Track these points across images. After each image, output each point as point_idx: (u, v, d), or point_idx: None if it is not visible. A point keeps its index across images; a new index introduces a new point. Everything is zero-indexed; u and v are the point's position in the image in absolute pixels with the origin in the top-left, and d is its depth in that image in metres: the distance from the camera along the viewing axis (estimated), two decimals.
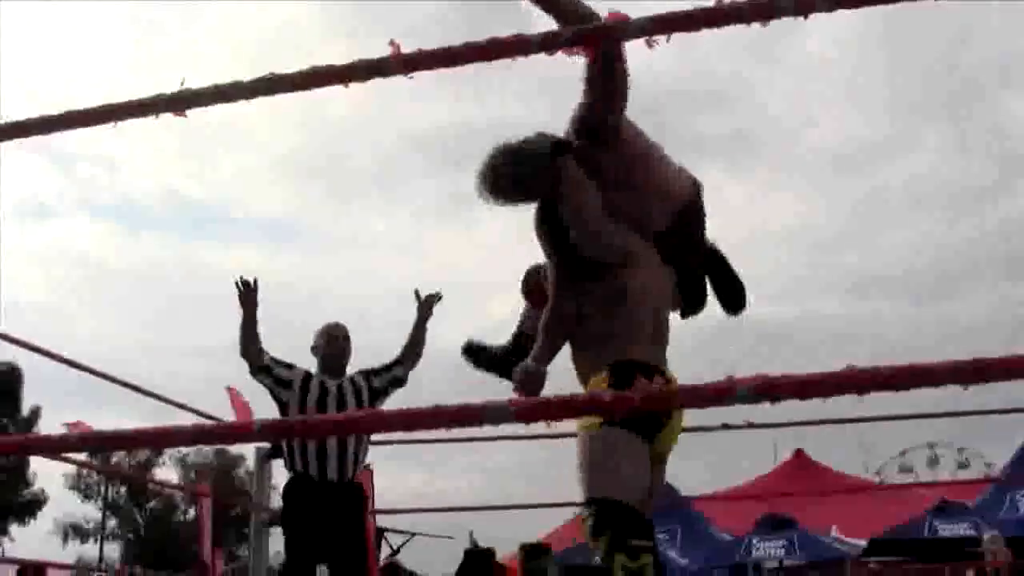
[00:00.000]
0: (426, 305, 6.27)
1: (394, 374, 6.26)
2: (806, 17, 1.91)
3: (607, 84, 3.68)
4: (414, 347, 6.29)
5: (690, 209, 4.04)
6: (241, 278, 5.97)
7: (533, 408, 1.80)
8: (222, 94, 2.11)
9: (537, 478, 39.22)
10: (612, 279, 3.85)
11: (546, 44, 1.95)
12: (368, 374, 6.24)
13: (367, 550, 6.34)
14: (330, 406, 5.99)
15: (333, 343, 6.16)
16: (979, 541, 11.21)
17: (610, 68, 3.63)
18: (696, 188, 4.07)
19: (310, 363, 6.24)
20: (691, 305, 4.26)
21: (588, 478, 3.52)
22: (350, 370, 6.22)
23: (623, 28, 1.94)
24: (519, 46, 1.95)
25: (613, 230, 3.86)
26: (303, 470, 5.91)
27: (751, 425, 7.55)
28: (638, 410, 3.49)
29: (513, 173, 3.86)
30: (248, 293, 5.87)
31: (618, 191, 3.87)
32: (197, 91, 2.10)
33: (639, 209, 3.93)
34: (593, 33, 1.90)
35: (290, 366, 6.06)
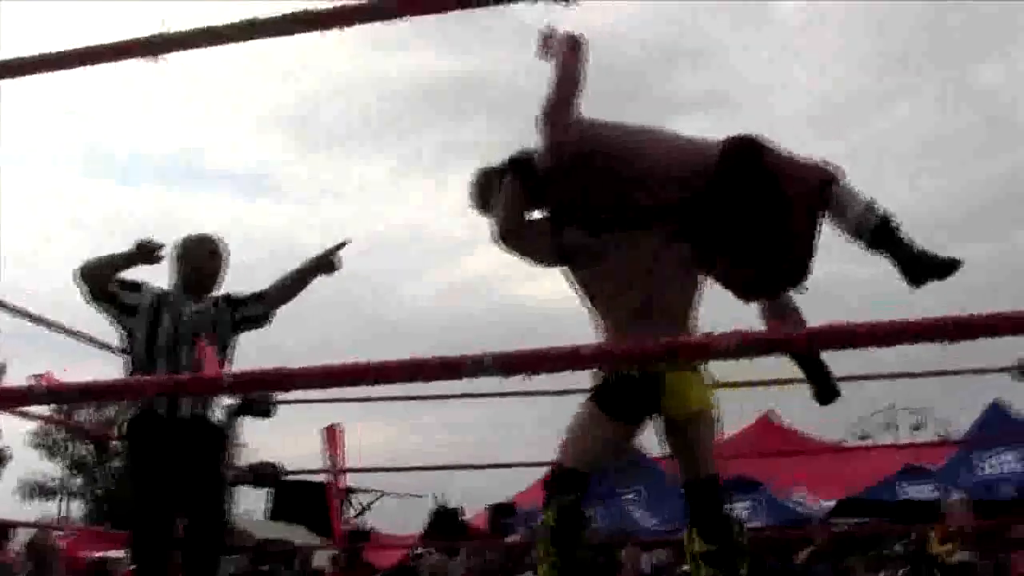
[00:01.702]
0: (327, 260, 5.43)
1: (254, 310, 5.44)
2: None
3: (560, 78, 4.10)
4: (287, 288, 5.46)
5: (715, 177, 4.18)
6: (151, 241, 5.17)
7: (512, 360, 1.78)
8: (198, 39, 2.07)
9: (509, 437, 39.30)
10: (574, 272, 4.39)
11: None
12: (235, 303, 5.46)
13: (225, 499, 5.60)
14: (184, 340, 5.23)
15: (210, 259, 5.43)
16: (941, 504, 11.33)
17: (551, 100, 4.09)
18: (725, 152, 4.22)
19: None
20: (764, 283, 4.36)
21: (562, 441, 4.25)
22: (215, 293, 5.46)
23: None
24: None
25: (537, 236, 4.37)
26: (149, 406, 5.14)
27: (719, 384, 7.58)
28: (616, 392, 4.12)
29: (474, 190, 4.47)
30: (148, 254, 5.15)
31: (584, 184, 4.23)
32: (173, 35, 2.07)
33: (616, 195, 4.25)
34: None
35: (136, 286, 5.29)
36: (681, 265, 4.30)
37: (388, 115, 64.94)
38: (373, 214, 59.92)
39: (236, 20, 2.09)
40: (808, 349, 3.94)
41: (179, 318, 5.26)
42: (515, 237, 4.38)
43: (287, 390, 1.73)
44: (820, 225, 4.18)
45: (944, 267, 4.02)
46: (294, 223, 60.30)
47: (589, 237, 4.33)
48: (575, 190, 4.29)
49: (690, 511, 4.31)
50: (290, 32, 2.10)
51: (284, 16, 2.10)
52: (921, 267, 4.03)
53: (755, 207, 4.15)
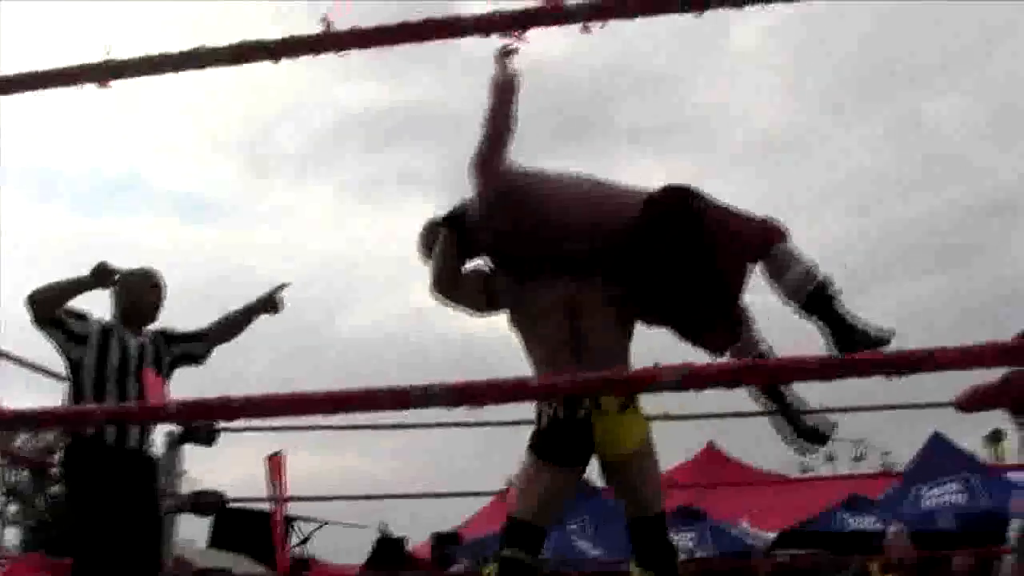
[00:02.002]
0: (271, 301, 5.60)
1: (194, 349, 5.58)
2: (740, 7, 1.92)
3: (490, 120, 4.22)
4: (230, 328, 5.64)
5: (640, 223, 4.24)
6: (107, 265, 5.26)
7: (461, 391, 1.79)
8: (149, 65, 2.06)
9: (455, 467, 39.19)
10: (508, 318, 4.47)
11: (481, 27, 1.94)
12: (169, 338, 5.57)
13: (163, 531, 5.74)
14: (131, 371, 5.31)
15: (150, 292, 5.54)
16: (884, 535, 11.41)
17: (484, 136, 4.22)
18: (652, 203, 4.28)
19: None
20: (694, 328, 4.38)
21: (512, 493, 4.42)
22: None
23: (558, 12, 1.94)
24: (455, 27, 1.94)
25: (468, 287, 4.49)
26: (96, 433, 5.18)
27: (667, 416, 7.62)
28: (552, 439, 4.20)
29: (420, 240, 4.56)
30: (104, 280, 5.27)
31: (510, 230, 4.33)
32: (123, 62, 2.06)
33: (540, 242, 4.32)
34: (530, 18, 1.88)
35: (82, 316, 5.35)
36: (611, 309, 4.32)
37: (333, 143, 64.81)
38: (317, 240, 59.65)
39: (184, 49, 2.08)
40: (769, 385, 3.87)
41: (126, 350, 5.32)
42: (446, 289, 4.50)
43: (234, 419, 1.72)
44: (744, 285, 4.23)
45: (875, 341, 4.03)
46: (237, 247, 59.97)
47: (515, 283, 4.41)
48: (501, 236, 4.37)
49: (634, 547, 4.32)
50: (238, 62, 2.10)
51: (231, 46, 2.09)
52: (851, 340, 4.04)
53: (679, 259, 4.19)
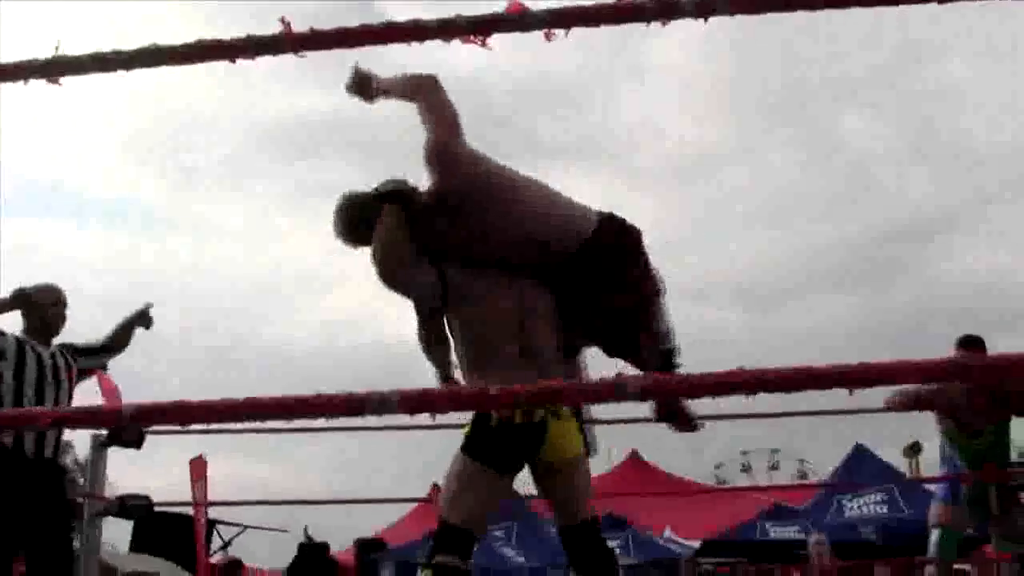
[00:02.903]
0: (144, 315, 6.00)
1: (102, 360, 5.92)
2: (706, 20, 1.92)
3: (431, 114, 4.15)
4: (120, 341, 5.97)
5: (589, 243, 4.21)
6: (25, 290, 5.60)
7: (418, 400, 1.77)
8: (100, 62, 2.02)
9: (377, 473, 39.00)
10: (451, 311, 4.28)
11: (444, 31, 1.92)
12: (73, 351, 5.80)
13: (69, 536, 5.81)
14: (47, 381, 5.53)
15: (57, 308, 5.73)
16: (806, 544, 11.56)
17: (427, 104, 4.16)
18: (602, 225, 4.26)
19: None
20: (616, 346, 4.40)
21: (443, 498, 4.19)
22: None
23: (521, 18, 1.93)
24: (417, 32, 1.92)
25: (416, 271, 4.22)
26: (14, 443, 5.36)
27: (592, 421, 7.62)
28: (497, 444, 4.08)
29: (341, 217, 4.32)
30: (22, 303, 5.57)
31: (464, 220, 4.18)
32: (74, 58, 2.02)
33: (496, 241, 4.21)
34: (492, 24, 1.87)
35: (1, 332, 5.55)
36: (550, 316, 4.29)
37: (256, 151, 64.33)
38: (238, 249, 59.17)
39: (128, 48, 2.04)
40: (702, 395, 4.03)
41: (40, 361, 5.55)
42: (396, 271, 4.25)
43: (188, 424, 1.69)
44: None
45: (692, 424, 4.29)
46: (157, 255, 59.34)
47: (466, 278, 4.25)
48: (457, 230, 4.21)
49: (569, 555, 4.29)
50: (191, 61, 2.07)
51: (185, 45, 2.06)
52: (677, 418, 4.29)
53: (606, 287, 4.21)
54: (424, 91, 4.21)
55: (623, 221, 4.33)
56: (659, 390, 1.70)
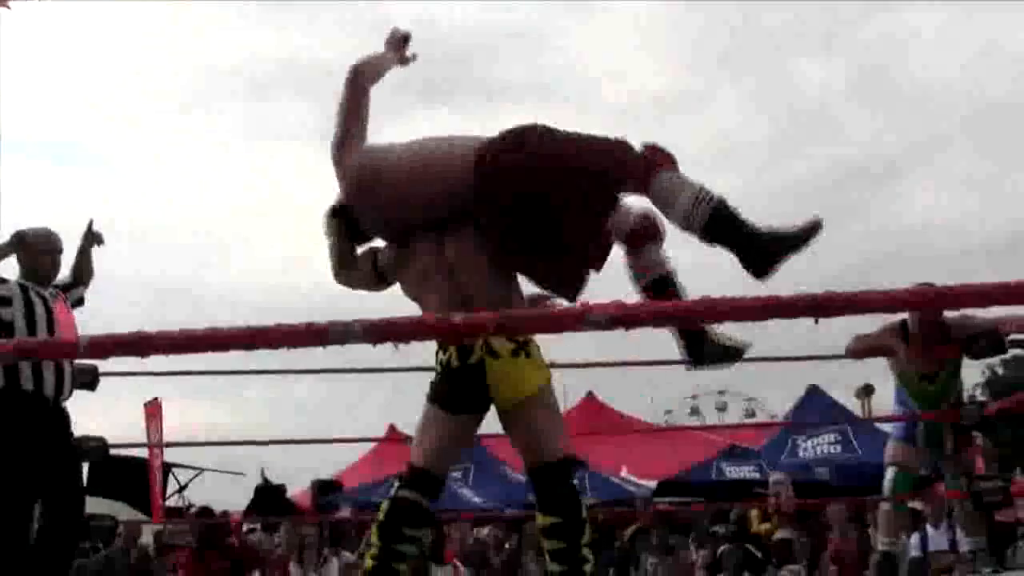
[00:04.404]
0: (91, 235, 6.07)
1: (80, 294, 6.02)
2: None
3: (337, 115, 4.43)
4: (87, 270, 6.09)
5: (478, 179, 4.12)
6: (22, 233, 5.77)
7: (382, 328, 1.74)
8: None
9: (334, 413, 38.91)
10: (398, 283, 4.49)
11: None
12: (63, 290, 5.89)
13: (82, 483, 5.90)
14: (57, 323, 5.58)
15: (49, 255, 5.80)
16: (764, 483, 11.68)
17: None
18: (480, 154, 4.14)
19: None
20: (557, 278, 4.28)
21: (413, 442, 4.39)
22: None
23: None
24: None
25: (352, 271, 4.56)
26: (14, 380, 5.34)
27: (552, 365, 7.65)
28: (444, 387, 4.22)
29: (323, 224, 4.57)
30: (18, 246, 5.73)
31: (373, 205, 4.35)
32: None
33: (401, 209, 4.29)
34: None
35: (4, 280, 5.60)
36: (484, 262, 4.22)
37: (210, 91, 63.58)
38: (190, 189, 58.58)
39: None
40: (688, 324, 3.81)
41: (46, 303, 5.60)
42: (340, 275, 4.56)
43: (147, 355, 1.65)
44: (600, 227, 4.02)
45: (797, 238, 3.81)
46: (106, 197, 58.68)
47: (398, 253, 4.40)
48: (369, 213, 4.38)
49: (536, 496, 4.25)
50: None
51: None
52: (765, 253, 3.79)
53: (526, 205, 4.04)
54: (346, 83, 4.45)
55: (509, 134, 4.16)
56: (626, 319, 1.68)
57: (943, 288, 1.74)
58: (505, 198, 4.07)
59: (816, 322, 1.73)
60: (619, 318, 1.67)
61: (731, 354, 3.86)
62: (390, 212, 4.32)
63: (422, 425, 4.31)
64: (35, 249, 5.75)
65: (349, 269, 4.56)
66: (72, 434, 5.70)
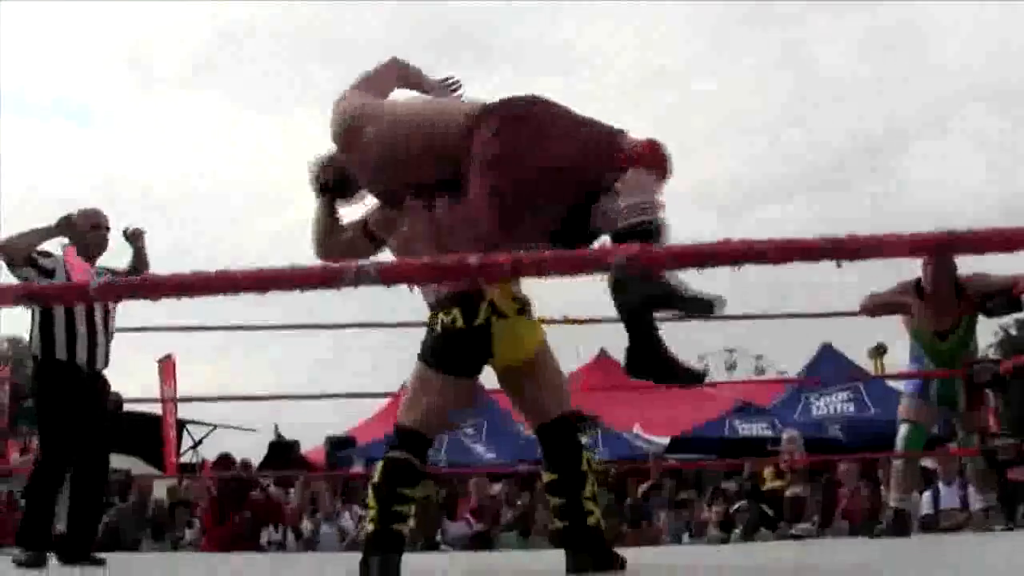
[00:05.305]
0: (134, 239, 6.37)
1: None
2: None
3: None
4: (144, 266, 6.40)
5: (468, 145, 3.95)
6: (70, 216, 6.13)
7: (396, 270, 1.72)
8: None
9: (346, 370, 38.98)
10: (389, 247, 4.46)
11: None
12: (113, 273, 6.29)
13: (108, 450, 6.44)
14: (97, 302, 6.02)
15: (98, 231, 6.24)
16: (776, 440, 11.68)
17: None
18: (477, 115, 3.96)
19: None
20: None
21: (401, 402, 4.33)
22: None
23: None
24: None
25: (345, 236, 4.51)
26: (50, 351, 6.01)
27: (567, 320, 7.64)
28: (445, 349, 4.11)
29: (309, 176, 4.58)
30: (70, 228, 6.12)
31: (357, 164, 4.26)
32: None
33: (404, 172, 4.13)
34: None
35: (48, 254, 6.07)
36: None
37: (224, 55, 63.34)
38: (203, 151, 58.44)
39: None
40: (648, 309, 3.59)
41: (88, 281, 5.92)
42: (324, 250, 4.52)
43: (157, 298, 1.63)
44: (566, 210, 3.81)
45: (679, 298, 3.54)
46: (125, 152, 58.69)
47: (387, 215, 4.35)
48: (361, 171, 4.27)
49: (544, 455, 4.28)
50: None
51: None
52: (642, 290, 3.51)
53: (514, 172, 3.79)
54: (382, 64, 4.45)
55: (506, 104, 3.96)
56: (645, 260, 1.66)
57: (967, 232, 1.70)
58: (492, 166, 3.91)
59: (838, 265, 1.71)
60: (639, 260, 1.65)
61: (705, 304, 3.58)
62: (380, 168, 4.17)
63: (416, 388, 4.22)
64: (82, 228, 6.15)
65: (330, 244, 4.52)
66: (105, 398, 6.25)
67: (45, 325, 6.06)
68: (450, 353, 4.13)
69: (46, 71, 61.46)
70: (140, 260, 6.39)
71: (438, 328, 4.12)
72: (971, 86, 54.67)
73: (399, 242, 4.33)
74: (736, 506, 10.11)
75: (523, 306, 4.19)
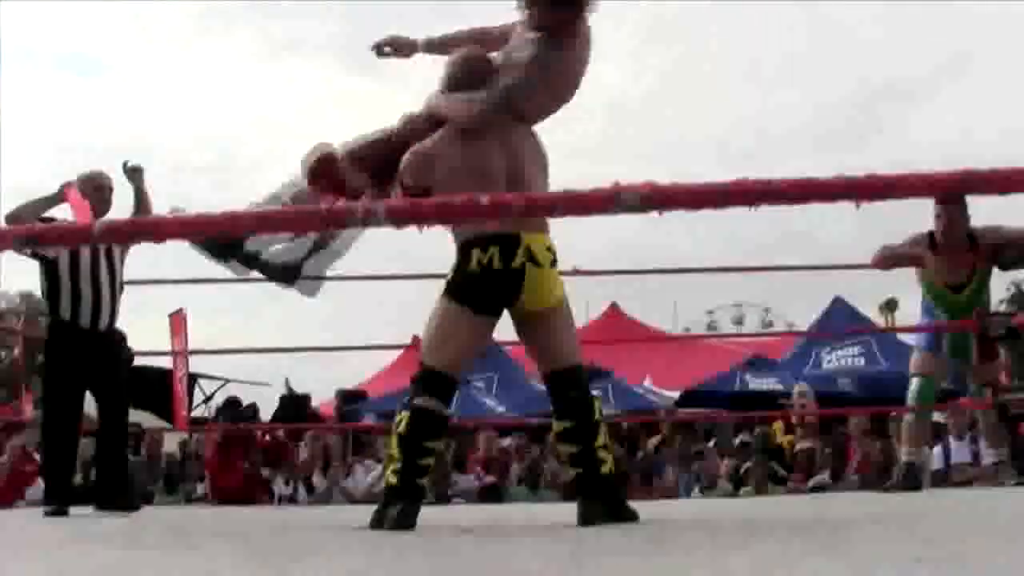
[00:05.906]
0: (133, 175, 6.43)
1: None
2: None
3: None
4: (145, 211, 6.36)
5: None
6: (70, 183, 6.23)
7: (405, 211, 1.68)
8: None
9: (356, 324, 39.03)
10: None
11: None
12: None
13: (125, 389, 6.61)
14: (101, 262, 6.24)
15: (102, 193, 6.30)
16: (787, 394, 11.65)
17: None
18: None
19: None
20: None
21: (424, 343, 4.27)
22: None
23: None
24: None
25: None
26: (55, 313, 6.23)
27: (576, 272, 7.61)
28: (477, 287, 4.14)
29: (450, 73, 4.49)
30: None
31: None
32: None
33: None
34: None
35: (52, 219, 6.07)
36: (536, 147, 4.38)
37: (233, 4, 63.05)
38: (208, 106, 58.30)
39: None
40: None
41: (94, 247, 6.15)
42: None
43: (162, 240, 1.60)
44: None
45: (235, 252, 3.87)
46: (118, 108, 58.56)
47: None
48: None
49: (553, 401, 4.30)
50: None
51: None
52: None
53: None
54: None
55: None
56: (657, 200, 1.62)
57: (988, 171, 1.67)
58: None
59: (857, 207, 1.67)
60: (651, 199, 1.61)
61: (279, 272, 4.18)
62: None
63: (443, 327, 4.23)
64: (85, 191, 6.24)
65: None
66: (115, 354, 6.46)
67: (52, 286, 6.22)
68: (483, 291, 4.17)
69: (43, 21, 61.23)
70: (142, 202, 6.43)
71: (473, 265, 4.14)
72: (987, 42, 54.18)
73: (482, 146, 4.30)
74: (747, 465, 10.09)
75: (555, 258, 4.27)
